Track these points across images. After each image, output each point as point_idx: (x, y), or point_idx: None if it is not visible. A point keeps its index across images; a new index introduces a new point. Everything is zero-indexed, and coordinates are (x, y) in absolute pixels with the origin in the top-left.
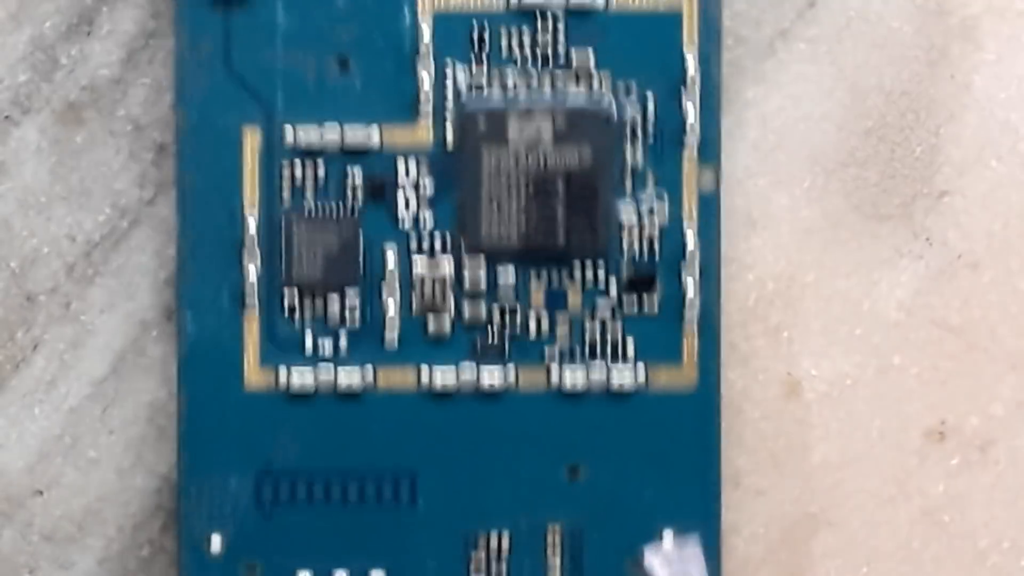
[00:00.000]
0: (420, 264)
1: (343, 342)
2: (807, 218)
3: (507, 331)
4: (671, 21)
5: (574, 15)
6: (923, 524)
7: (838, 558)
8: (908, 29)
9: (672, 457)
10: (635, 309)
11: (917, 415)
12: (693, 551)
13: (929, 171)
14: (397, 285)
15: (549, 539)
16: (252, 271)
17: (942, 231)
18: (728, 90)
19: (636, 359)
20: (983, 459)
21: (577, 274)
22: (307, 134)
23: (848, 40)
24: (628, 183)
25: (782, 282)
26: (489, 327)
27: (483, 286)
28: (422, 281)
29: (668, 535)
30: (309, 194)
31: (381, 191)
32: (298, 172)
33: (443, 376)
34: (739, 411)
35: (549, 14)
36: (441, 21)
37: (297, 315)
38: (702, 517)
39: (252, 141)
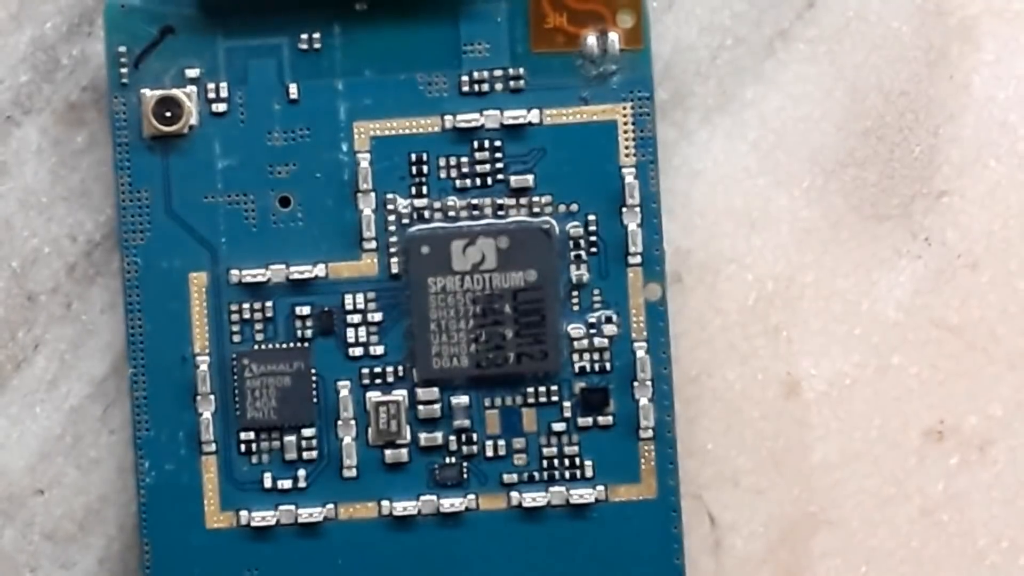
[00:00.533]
0: (374, 397)
1: (302, 478)
2: (806, 218)
3: (464, 456)
4: (606, 132)
5: (510, 134)
6: (922, 523)
7: (837, 557)
8: (907, 29)
9: (637, 572)
10: (590, 425)
11: (916, 415)
12: None
13: (928, 171)
14: (353, 420)
15: None
16: (207, 414)
17: (941, 231)
18: (728, 90)
19: (595, 475)
20: (982, 459)
21: (530, 394)
22: (253, 274)
23: (847, 40)
24: (575, 299)
25: (781, 282)
26: (446, 453)
27: (438, 414)
28: (377, 413)
29: None
30: (259, 333)
31: (330, 325)
32: (246, 312)
33: (403, 505)
34: (739, 411)
35: (485, 134)
36: (378, 148)
37: (255, 455)
38: None
39: (199, 284)
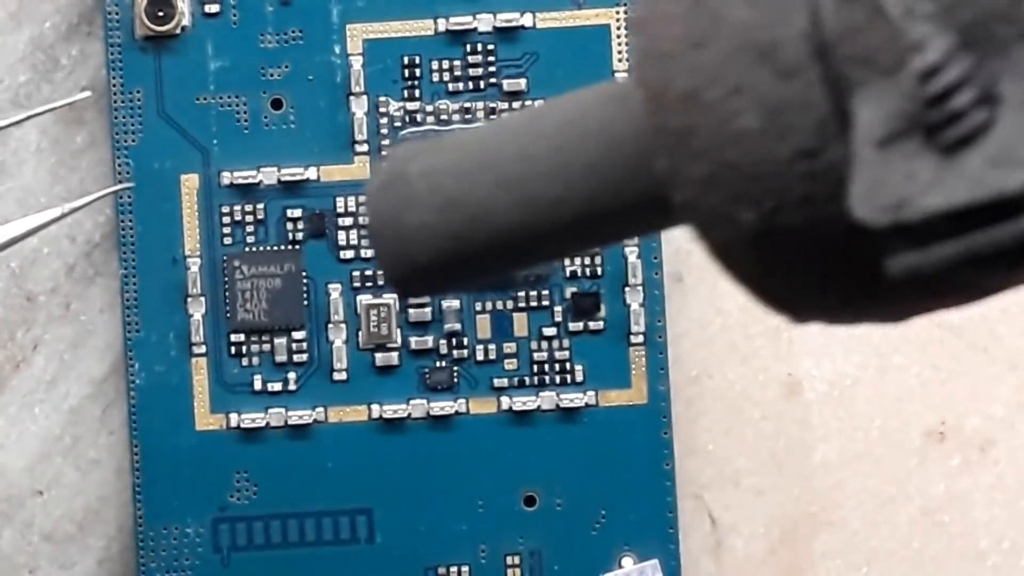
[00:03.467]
0: (365, 300)
1: (292, 381)
2: None
3: (455, 360)
4: (599, 34)
5: (503, 38)
6: (923, 524)
7: (838, 558)
8: None
9: (627, 477)
10: (581, 329)
11: (917, 415)
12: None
13: None
14: (343, 322)
15: (509, 572)
16: (198, 316)
17: None
18: None
19: (585, 380)
20: (983, 459)
21: (521, 298)
22: (244, 176)
23: None
24: None
25: None
26: (437, 357)
27: (428, 317)
28: (368, 315)
29: (628, 561)
30: (250, 235)
31: (322, 227)
32: (237, 214)
33: (394, 409)
34: (739, 411)
35: (478, 37)
36: (371, 50)
37: (245, 357)
38: (661, 540)
39: (190, 186)
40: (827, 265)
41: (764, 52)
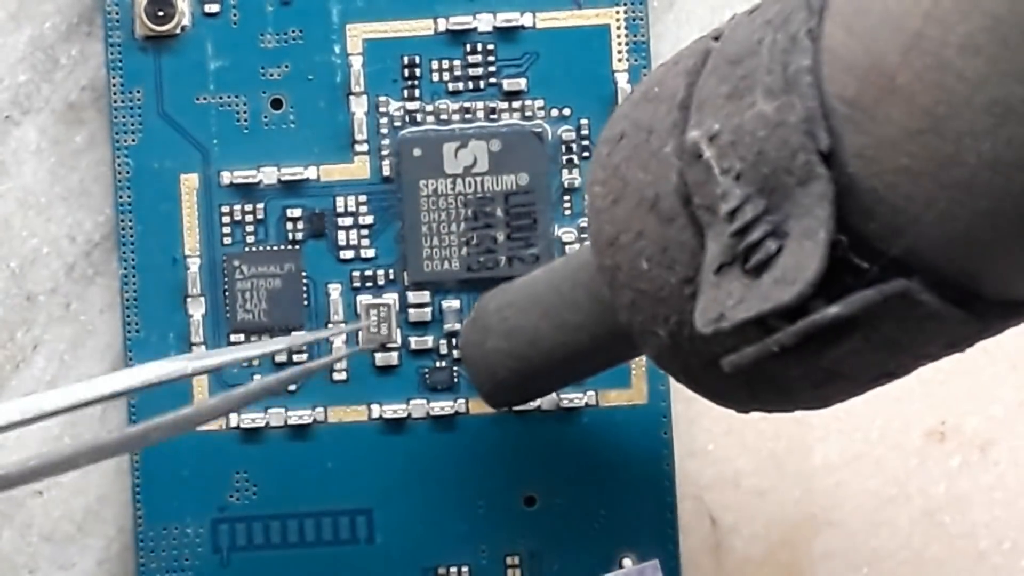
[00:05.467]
0: (365, 300)
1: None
2: None
3: (455, 360)
4: (599, 34)
5: (503, 38)
6: (923, 524)
7: (838, 558)
8: None
9: (627, 477)
10: None
11: (917, 415)
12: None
13: None
14: (343, 322)
15: (509, 572)
16: (197, 316)
17: None
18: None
19: (585, 381)
20: (983, 459)
21: None
22: (244, 176)
23: None
24: (567, 203)
25: None
26: (437, 357)
27: (428, 317)
28: (367, 315)
29: (628, 562)
30: (250, 235)
31: (322, 227)
32: (237, 214)
33: (393, 408)
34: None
35: (477, 37)
36: (371, 50)
37: None
38: (661, 540)
39: (190, 186)
40: (718, 368)
41: (652, 204)
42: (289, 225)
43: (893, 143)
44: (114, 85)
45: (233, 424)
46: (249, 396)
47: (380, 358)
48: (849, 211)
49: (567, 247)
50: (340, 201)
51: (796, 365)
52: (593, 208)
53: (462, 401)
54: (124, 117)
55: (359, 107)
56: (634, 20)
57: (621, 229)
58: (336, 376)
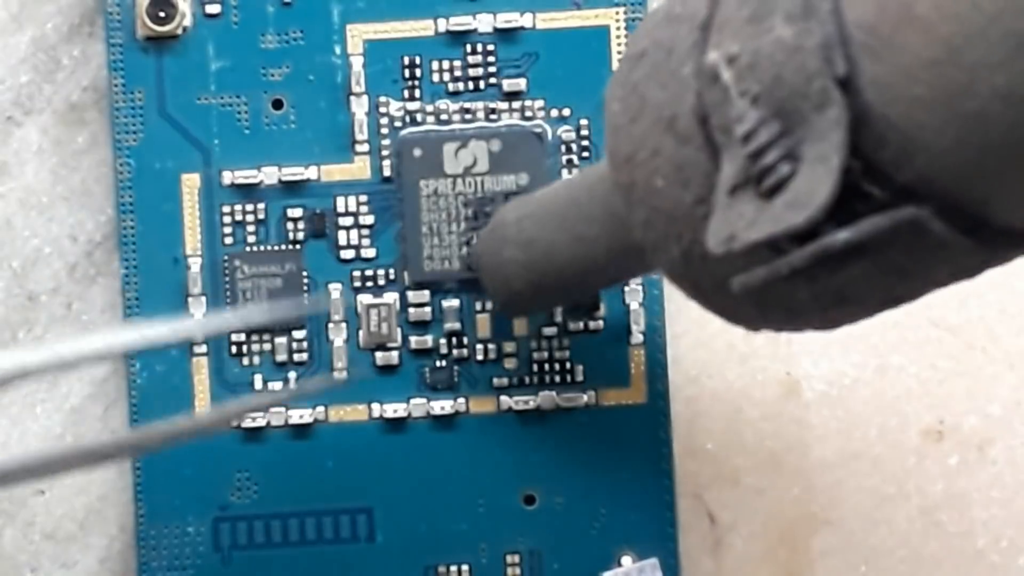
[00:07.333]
0: (365, 299)
1: (293, 380)
2: None
3: (455, 360)
4: (599, 35)
5: (503, 38)
6: (921, 523)
7: (837, 557)
8: None
9: (627, 476)
10: (581, 329)
11: (915, 414)
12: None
13: None
14: (344, 322)
15: (509, 571)
16: (198, 315)
17: None
18: None
19: (585, 380)
20: (981, 458)
21: None
22: (245, 176)
23: None
24: None
25: None
26: (437, 356)
27: (429, 316)
28: (368, 315)
29: (627, 560)
30: (251, 235)
31: (322, 227)
32: (238, 214)
33: (394, 408)
34: (739, 411)
35: (478, 38)
36: (371, 51)
37: (246, 356)
38: (660, 539)
39: (191, 186)
40: (728, 288)
41: (669, 123)
42: (290, 225)
43: (908, 72)
44: (115, 86)
45: (234, 424)
46: (246, 409)
47: (380, 357)
48: (863, 138)
49: None
50: (340, 201)
51: (805, 288)
52: (611, 125)
53: (462, 401)
54: (125, 117)
55: (359, 107)
56: (634, 20)
57: (638, 146)
58: (336, 376)
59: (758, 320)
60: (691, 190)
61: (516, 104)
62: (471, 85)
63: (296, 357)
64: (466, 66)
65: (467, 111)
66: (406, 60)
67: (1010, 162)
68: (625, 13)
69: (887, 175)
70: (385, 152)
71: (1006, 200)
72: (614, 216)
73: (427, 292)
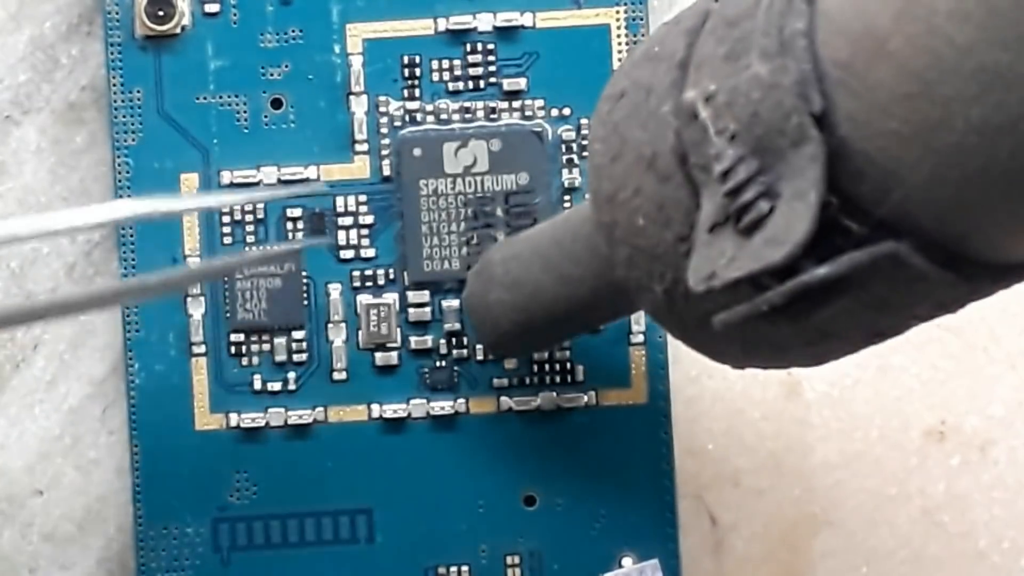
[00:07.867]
0: (365, 299)
1: (292, 380)
2: None
3: (455, 360)
4: (599, 35)
5: (503, 37)
6: (923, 524)
7: (838, 558)
8: None
9: (627, 477)
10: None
11: (917, 415)
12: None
13: None
14: (343, 322)
15: (509, 572)
16: (197, 316)
17: None
18: None
19: (585, 380)
20: (983, 459)
21: None
22: (244, 175)
23: None
24: (567, 203)
25: None
26: (437, 357)
27: (428, 316)
28: (368, 315)
29: (628, 561)
30: (250, 235)
31: (322, 227)
32: (237, 213)
33: (394, 408)
34: (739, 411)
35: (478, 37)
36: (371, 50)
37: (245, 356)
38: (661, 540)
39: (190, 185)
40: (712, 326)
41: (650, 162)
42: (289, 225)
43: (884, 107)
44: (114, 85)
45: (233, 424)
46: (237, 264)
47: (380, 358)
48: (840, 173)
49: None
50: (340, 201)
51: (787, 324)
52: (593, 164)
53: (462, 401)
54: (124, 117)
55: (359, 107)
56: (634, 20)
57: (619, 186)
58: (336, 376)
59: (743, 358)
60: (672, 228)
61: (516, 103)
62: (471, 84)
63: (296, 357)
64: (466, 65)
65: (467, 110)
66: (406, 59)
67: (988, 195)
68: (625, 12)
69: (865, 210)
70: (385, 152)
71: (985, 233)
72: (598, 256)
73: (427, 292)
